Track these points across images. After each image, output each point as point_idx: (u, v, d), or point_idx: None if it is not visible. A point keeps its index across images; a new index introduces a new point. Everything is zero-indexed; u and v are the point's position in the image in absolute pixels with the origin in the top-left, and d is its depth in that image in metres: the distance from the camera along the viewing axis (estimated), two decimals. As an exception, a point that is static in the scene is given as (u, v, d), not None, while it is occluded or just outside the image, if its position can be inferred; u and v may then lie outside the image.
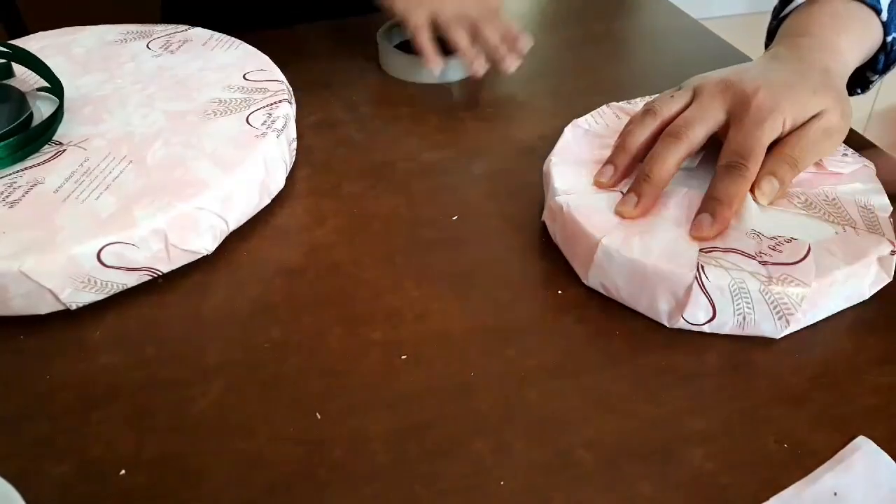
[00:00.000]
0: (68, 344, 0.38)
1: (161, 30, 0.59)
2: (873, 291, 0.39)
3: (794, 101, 0.40)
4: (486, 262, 0.43)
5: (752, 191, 0.40)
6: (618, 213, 0.40)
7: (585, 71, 0.65)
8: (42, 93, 0.50)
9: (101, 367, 0.37)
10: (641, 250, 0.38)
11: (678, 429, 0.34)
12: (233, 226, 0.44)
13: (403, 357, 0.38)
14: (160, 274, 0.41)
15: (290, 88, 0.53)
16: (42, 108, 0.49)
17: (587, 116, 0.48)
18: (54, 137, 0.46)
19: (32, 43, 0.57)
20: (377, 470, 0.32)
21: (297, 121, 0.56)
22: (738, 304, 0.36)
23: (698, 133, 0.41)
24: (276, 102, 0.49)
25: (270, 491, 0.32)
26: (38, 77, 0.51)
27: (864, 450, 0.33)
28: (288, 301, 0.41)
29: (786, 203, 0.41)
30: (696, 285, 0.36)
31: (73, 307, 0.39)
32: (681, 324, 0.38)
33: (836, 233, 0.38)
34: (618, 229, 0.39)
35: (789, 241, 0.38)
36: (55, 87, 0.49)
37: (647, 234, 0.39)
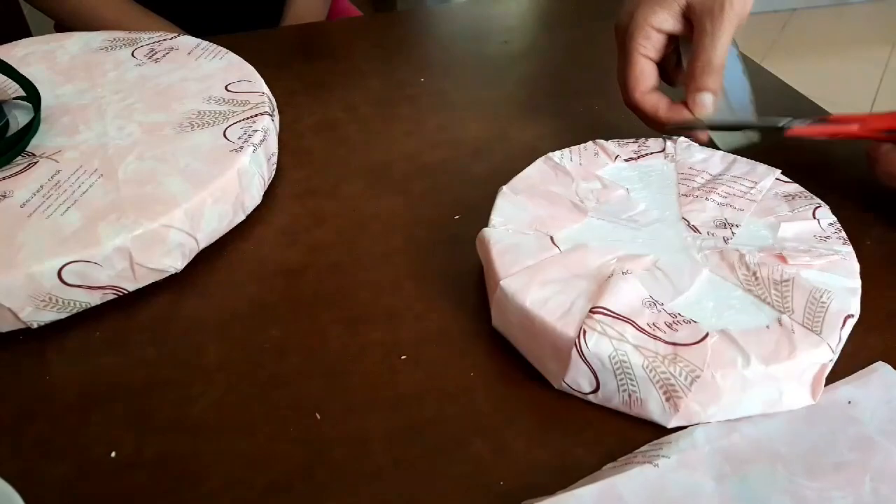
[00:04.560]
0: (68, 344, 0.38)
1: (147, 37, 0.58)
2: (794, 407, 0.34)
3: None
4: (486, 261, 0.43)
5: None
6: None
7: (585, 71, 0.65)
8: (20, 101, 0.49)
9: (101, 367, 0.37)
10: (535, 300, 0.35)
11: (678, 428, 0.34)
12: (203, 244, 0.42)
13: (403, 357, 0.38)
14: (126, 292, 0.40)
15: (273, 101, 0.52)
16: (19, 118, 0.48)
17: (565, 151, 0.45)
18: (28, 148, 0.45)
19: (18, 49, 0.56)
20: (377, 470, 0.32)
21: (298, 121, 0.56)
22: (621, 379, 0.33)
23: None
24: (255, 116, 0.48)
25: (270, 491, 0.32)
26: (17, 85, 0.50)
27: (880, 371, 0.35)
28: (288, 301, 0.41)
29: (728, 270, 0.37)
30: (573, 350, 0.33)
31: (35, 325, 0.38)
32: (566, 388, 0.35)
33: (768, 325, 0.33)
34: (524, 273, 0.36)
35: (688, 322, 0.34)
36: (32, 97, 0.48)
37: (551, 285, 0.35)
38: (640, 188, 0.43)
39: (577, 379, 0.34)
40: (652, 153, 0.46)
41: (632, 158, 0.45)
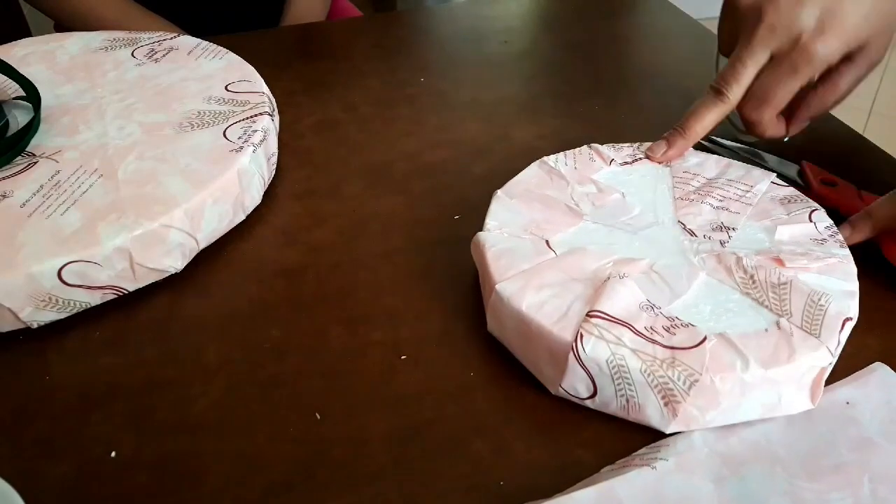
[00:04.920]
0: (68, 344, 0.38)
1: (147, 37, 0.58)
2: (793, 411, 0.34)
3: (841, 35, 0.40)
4: (486, 262, 0.43)
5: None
6: (646, 154, 0.45)
7: (585, 71, 0.65)
8: (20, 101, 0.49)
9: (101, 367, 0.37)
10: (531, 304, 0.34)
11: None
12: (203, 244, 0.42)
13: (403, 357, 0.38)
14: (126, 292, 0.40)
15: (273, 101, 0.52)
16: (19, 118, 0.48)
17: (559, 155, 0.45)
18: (28, 148, 0.45)
19: (17, 49, 0.56)
20: (377, 470, 0.32)
21: (298, 121, 0.56)
22: (618, 384, 0.32)
23: (736, 93, 0.43)
24: (255, 116, 0.48)
25: (270, 491, 0.32)
26: (17, 85, 0.49)
27: (879, 372, 0.35)
28: (288, 301, 0.41)
29: (725, 273, 0.37)
30: (570, 355, 0.32)
31: (35, 325, 0.38)
32: (563, 394, 0.35)
33: (766, 329, 0.33)
34: (520, 277, 0.36)
35: (686, 325, 0.33)
36: (32, 98, 0.48)
37: (547, 289, 0.35)
38: (635, 192, 0.43)
39: (575, 384, 0.34)
40: (644, 158, 0.46)
41: (627, 163, 0.45)
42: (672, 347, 0.32)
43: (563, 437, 0.34)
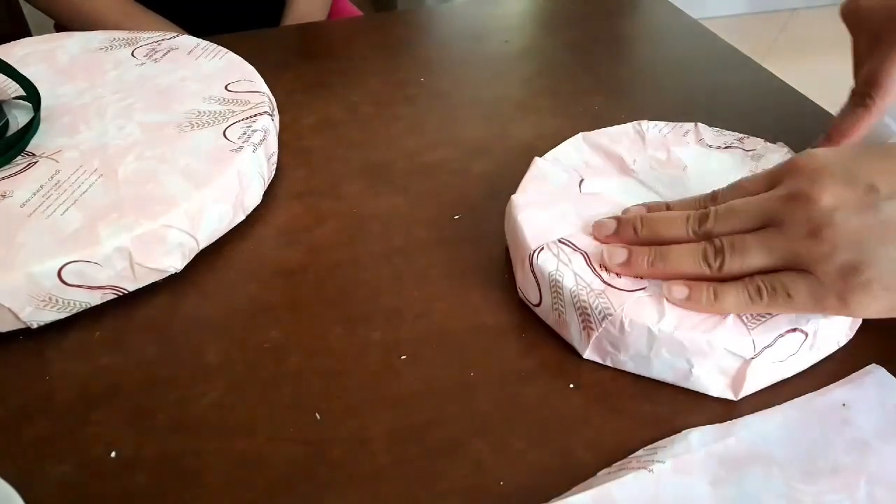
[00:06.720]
0: (68, 344, 0.38)
1: (147, 37, 0.58)
2: (710, 392, 0.35)
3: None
4: (485, 261, 0.43)
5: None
6: (602, 263, 0.37)
7: (585, 71, 0.65)
8: (20, 101, 0.49)
9: (101, 367, 0.37)
10: (527, 217, 0.39)
11: (678, 427, 0.34)
12: (203, 243, 0.42)
13: (403, 357, 0.38)
14: (126, 292, 0.40)
15: (273, 100, 0.52)
16: (19, 117, 0.48)
17: (661, 123, 0.46)
18: (28, 148, 0.45)
19: (17, 49, 0.56)
20: (377, 470, 0.32)
21: (297, 121, 0.56)
22: (554, 298, 0.36)
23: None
24: (255, 115, 0.48)
25: (270, 491, 0.32)
26: (17, 85, 0.49)
27: (875, 374, 0.35)
28: (288, 301, 0.41)
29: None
30: (527, 261, 0.37)
31: (35, 325, 0.38)
32: (521, 295, 0.40)
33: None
34: (535, 197, 0.41)
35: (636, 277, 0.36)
36: (32, 97, 0.48)
37: (549, 212, 0.39)
38: (701, 171, 0.43)
39: (527, 288, 0.38)
40: (739, 148, 0.45)
41: (717, 147, 0.45)
42: (609, 284, 0.35)
43: (563, 437, 0.34)
